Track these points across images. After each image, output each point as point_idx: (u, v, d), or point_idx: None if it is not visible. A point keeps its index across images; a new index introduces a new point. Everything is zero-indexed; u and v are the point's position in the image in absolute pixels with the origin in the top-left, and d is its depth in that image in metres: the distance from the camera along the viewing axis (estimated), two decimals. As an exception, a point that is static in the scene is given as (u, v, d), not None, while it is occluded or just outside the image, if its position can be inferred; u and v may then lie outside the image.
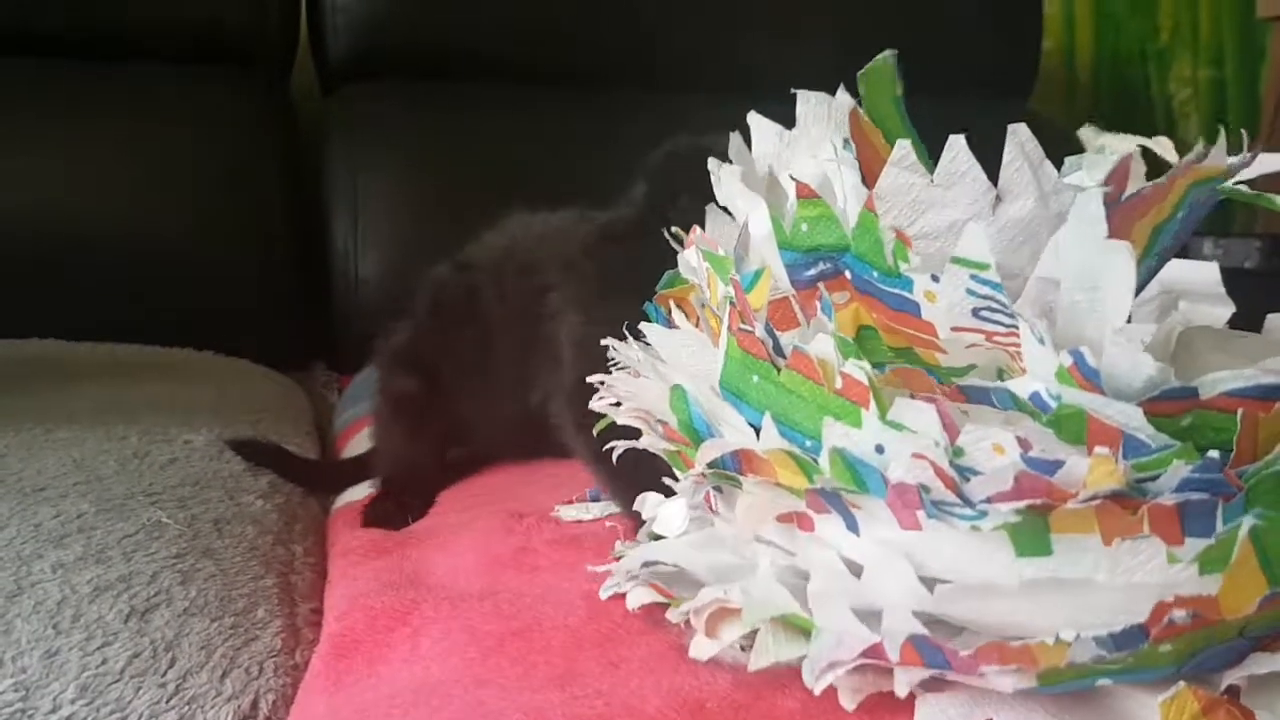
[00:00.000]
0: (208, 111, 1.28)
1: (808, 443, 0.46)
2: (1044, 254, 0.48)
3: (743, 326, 0.49)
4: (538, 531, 0.65)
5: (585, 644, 0.50)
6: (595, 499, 0.70)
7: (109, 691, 0.51)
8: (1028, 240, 0.51)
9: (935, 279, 0.46)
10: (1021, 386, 0.43)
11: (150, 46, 1.28)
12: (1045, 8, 1.62)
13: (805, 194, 0.50)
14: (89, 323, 1.14)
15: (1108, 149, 0.56)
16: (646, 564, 0.52)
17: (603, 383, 0.58)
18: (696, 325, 0.56)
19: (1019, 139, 0.51)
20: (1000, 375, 0.48)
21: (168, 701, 0.52)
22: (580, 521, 0.68)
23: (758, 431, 0.47)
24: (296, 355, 1.29)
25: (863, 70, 0.56)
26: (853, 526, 0.45)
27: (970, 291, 0.46)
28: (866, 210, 0.48)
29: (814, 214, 0.50)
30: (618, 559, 0.56)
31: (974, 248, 0.45)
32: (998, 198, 0.51)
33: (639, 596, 0.52)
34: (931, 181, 0.51)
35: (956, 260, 0.46)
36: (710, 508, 0.54)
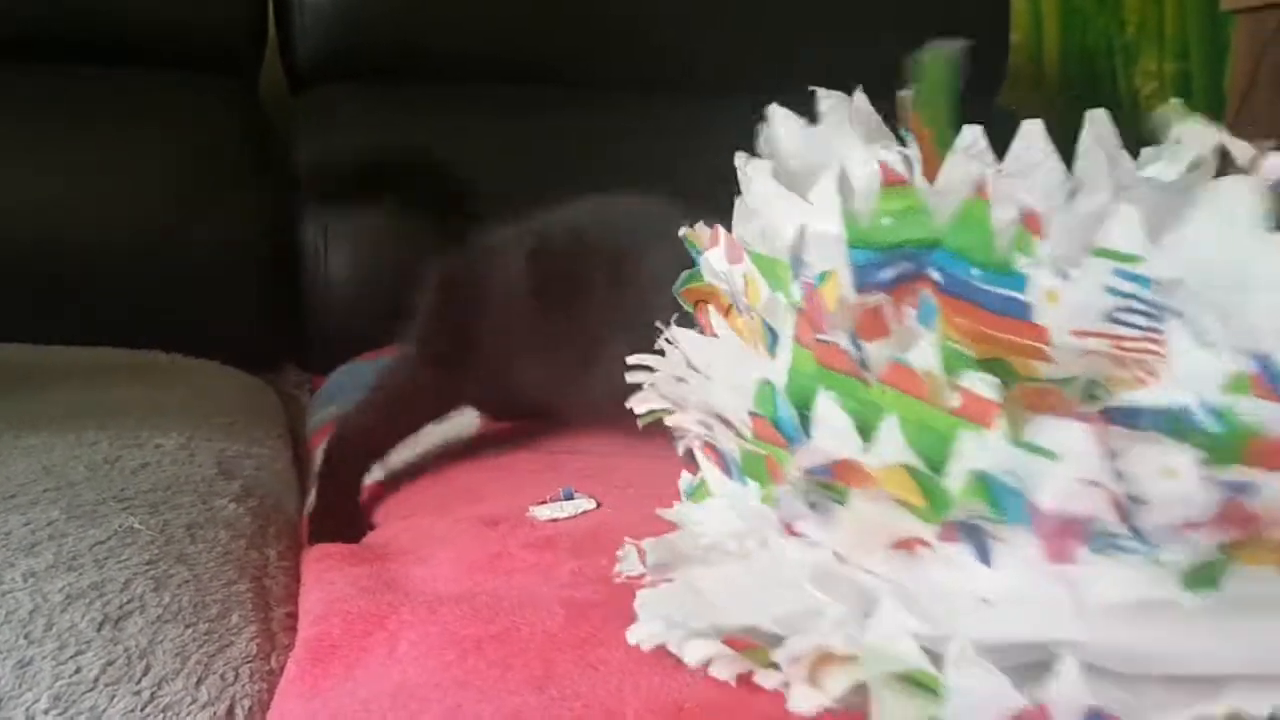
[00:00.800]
0: (175, 112, 1.27)
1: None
2: (1157, 252, 0.42)
3: (821, 337, 0.44)
4: (513, 535, 0.65)
5: (563, 646, 0.50)
6: (569, 497, 0.70)
7: (83, 700, 0.51)
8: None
9: (1065, 275, 0.41)
10: (1167, 399, 0.38)
11: (118, 49, 1.26)
12: (1012, 3, 1.63)
13: (893, 181, 0.44)
14: (56, 325, 1.13)
15: (1184, 141, 0.50)
16: (705, 626, 0.45)
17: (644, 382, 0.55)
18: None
19: (1097, 128, 0.46)
20: (1094, 389, 0.43)
21: (143, 710, 0.51)
22: (555, 520, 0.68)
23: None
24: (268, 356, 1.28)
25: (919, 57, 0.51)
26: (984, 558, 0.40)
27: (1111, 289, 0.41)
28: (975, 198, 0.43)
29: (900, 206, 0.44)
30: (641, 578, 0.51)
31: (1124, 236, 0.40)
32: (1072, 190, 0.46)
33: (698, 651, 0.45)
34: (1000, 171, 0.46)
35: (1100, 252, 0.41)
36: (789, 528, 0.48)
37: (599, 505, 0.69)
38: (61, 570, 0.61)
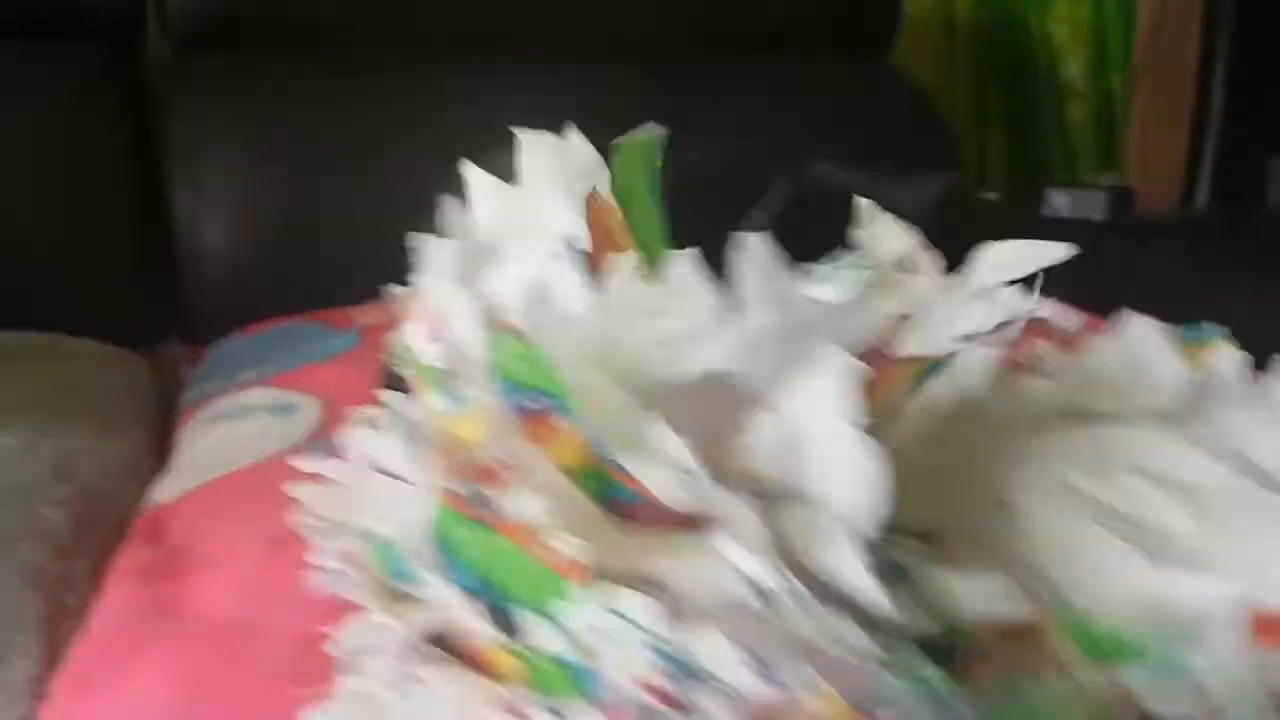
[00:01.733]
0: (42, 82, 1.26)
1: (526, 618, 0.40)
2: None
3: (446, 483, 0.43)
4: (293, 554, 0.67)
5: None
6: None
7: None
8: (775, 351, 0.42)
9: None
10: None
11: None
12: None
13: (507, 331, 0.44)
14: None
15: (867, 249, 0.50)
16: None
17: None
18: None
19: (753, 254, 0.43)
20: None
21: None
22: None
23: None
24: (148, 331, 1.29)
25: (621, 143, 0.52)
26: None
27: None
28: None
29: (521, 353, 0.43)
30: None
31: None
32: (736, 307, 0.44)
33: None
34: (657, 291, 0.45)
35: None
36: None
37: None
38: None
